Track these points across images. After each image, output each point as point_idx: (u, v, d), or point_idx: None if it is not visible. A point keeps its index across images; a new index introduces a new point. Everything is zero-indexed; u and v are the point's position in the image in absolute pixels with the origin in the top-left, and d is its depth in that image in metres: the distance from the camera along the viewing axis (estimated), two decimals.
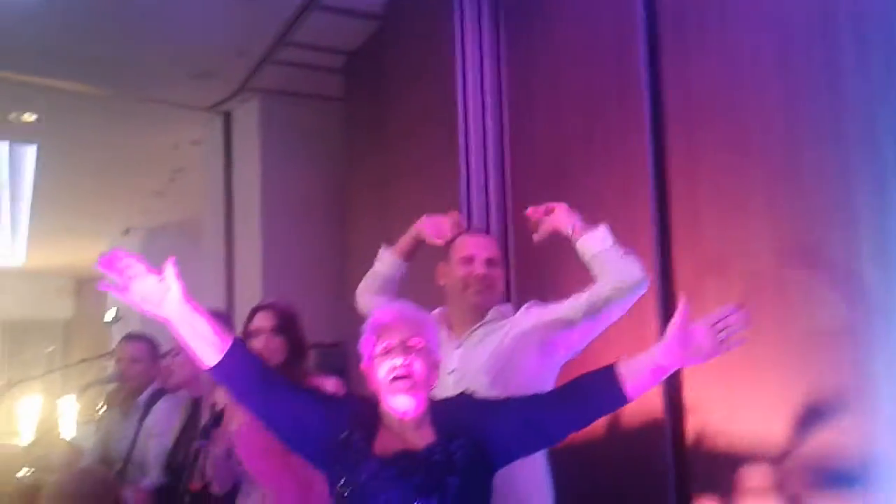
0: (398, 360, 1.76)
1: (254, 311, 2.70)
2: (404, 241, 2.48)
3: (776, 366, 2.27)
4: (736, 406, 2.39)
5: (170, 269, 1.74)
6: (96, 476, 2.37)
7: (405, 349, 1.78)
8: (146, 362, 3.40)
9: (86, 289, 10.50)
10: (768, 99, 2.34)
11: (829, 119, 2.19)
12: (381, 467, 1.71)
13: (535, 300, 2.34)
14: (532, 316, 2.26)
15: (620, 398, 1.75)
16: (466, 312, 2.30)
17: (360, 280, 3.81)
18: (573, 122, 2.94)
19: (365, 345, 1.84)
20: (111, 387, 3.60)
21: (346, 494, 1.72)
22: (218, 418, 2.37)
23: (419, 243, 2.47)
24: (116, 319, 8.05)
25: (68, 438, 5.86)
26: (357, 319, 4.09)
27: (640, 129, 2.66)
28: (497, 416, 1.80)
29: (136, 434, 3.20)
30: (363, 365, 1.84)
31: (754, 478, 2.34)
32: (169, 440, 3.05)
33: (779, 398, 2.29)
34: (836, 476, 2.17)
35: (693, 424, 2.53)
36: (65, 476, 2.47)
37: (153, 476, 3.06)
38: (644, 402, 2.57)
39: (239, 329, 2.63)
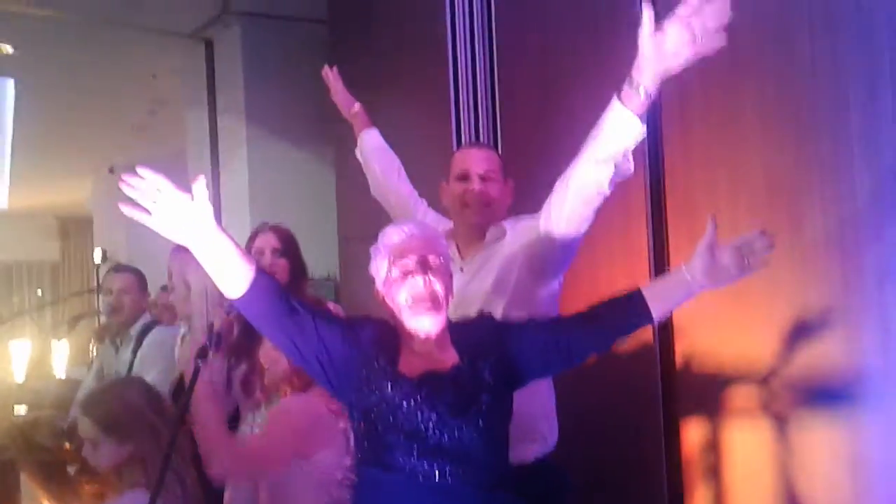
0: (419, 281, 1.71)
1: (254, 234, 2.72)
2: (353, 122, 2.69)
3: (764, 285, 2.27)
4: (724, 327, 2.41)
5: (200, 186, 1.59)
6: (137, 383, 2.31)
7: (423, 269, 1.72)
8: (135, 293, 3.37)
9: (72, 229, 10.43)
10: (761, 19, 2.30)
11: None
12: (411, 388, 1.67)
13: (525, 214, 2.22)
14: (519, 233, 2.17)
15: (646, 318, 1.72)
16: (468, 232, 2.23)
17: (349, 209, 3.78)
18: (564, 34, 2.88)
19: (378, 268, 1.78)
20: (102, 320, 3.58)
21: (373, 416, 1.69)
22: (218, 340, 2.32)
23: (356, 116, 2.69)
24: (105, 259, 8.00)
25: (61, 377, 5.90)
26: (349, 252, 4.09)
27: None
28: (520, 336, 1.77)
29: (130, 365, 3.20)
30: (378, 288, 1.78)
31: (741, 397, 2.38)
32: (163, 370, 3.03)
33: (766, 317, 2.30)
34: (822, 393, 2.20)
35: (682, 346, 2.55)
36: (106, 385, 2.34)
37: None
38: None
39: None
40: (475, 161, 2.24)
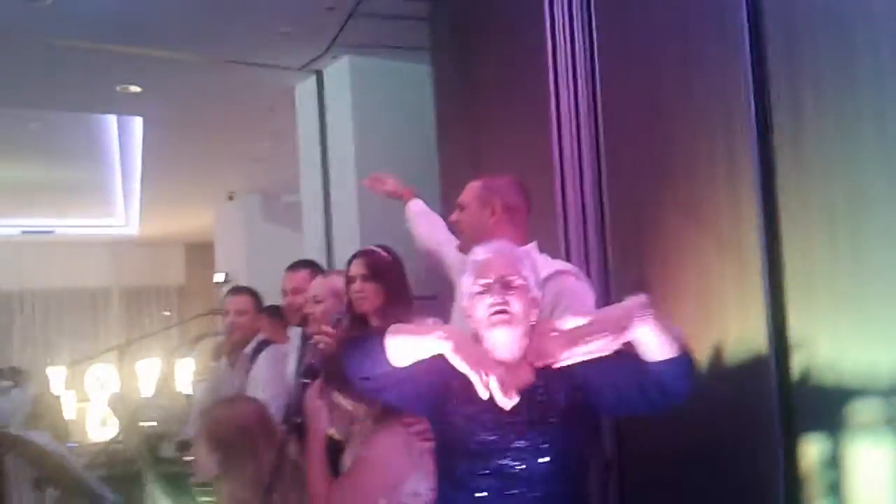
0: (496, 298, 1.76)
1: (351, 258, 2.82)
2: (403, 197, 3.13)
3: (884, 296, 2.18)
4: (843, 339, 2.30)
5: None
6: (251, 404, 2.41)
7: (502, 286, 1.77)
8: (250, 314, 3.51)
9: (196, 254, 10.95)
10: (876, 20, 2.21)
11: None
12: (481, 408, 1.71)
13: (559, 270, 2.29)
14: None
15: None
16: None
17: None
18: (668, 63, 2.83)
19: (465, 284, 1.85)
20: (219, 340, 3.74)
21: (447, 436, 1.76)
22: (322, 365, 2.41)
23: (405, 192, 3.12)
24: (226, 281, 8.37)
25: (185, 394, 6.21)
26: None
27: (741, 49, 2.54)
28: (599, 365, 1.75)
29: (243, 385, 3.33)
30: (463, 304, 1.84)
31: (863, 413, 2.27)
32: (273, 389, 3.13)
33: (889, 326, 2.19)
34: None
35: (799, 360, 2.45)
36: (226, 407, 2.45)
37: None
38: (748, 339, 2.52)
39: None
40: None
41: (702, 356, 2.59)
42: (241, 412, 2.25)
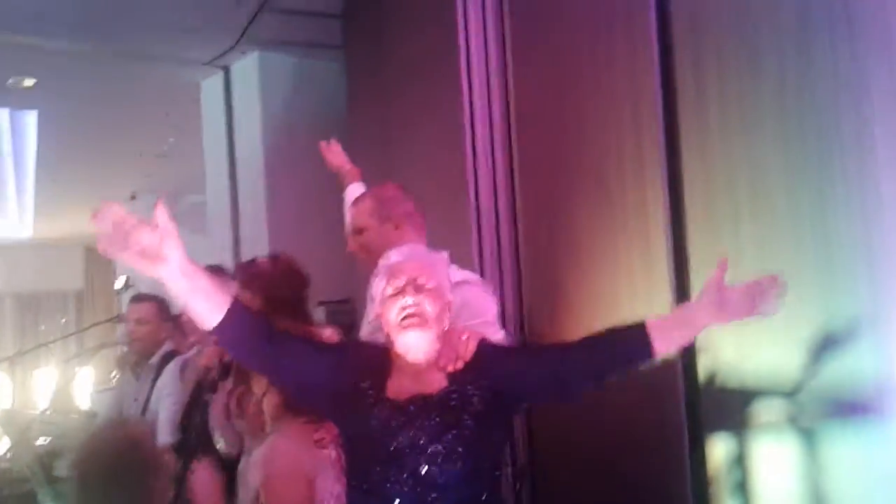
0: (408, 300, 1.74)
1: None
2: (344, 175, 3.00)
3: (789, 296, 2.23)
4: (747, 339, 2.35)
5: (162, 215, 1.58)
6: (129, 427, 2.28)
7: (415, 289, 1.75)
8: (155, 323, 3.37)
9: (95, 258, 10.53)
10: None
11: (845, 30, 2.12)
12: (394, 411, 1.69)
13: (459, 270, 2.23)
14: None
15: (647, 354, 1.72)
16: None
17: None
18: (579, 52, 2.85)
19: (377, 287, 1.82)
20: (122, 350, 3.58)
21: (357, 440, 1.72)
22: (226, 370, 2.34)
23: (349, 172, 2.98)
24: (127, 287, 8.05)
25: (84, 407, 5.93)
26: (365, 275, 4.10)
27: (649, 48, 2.58)
28: (514, 363, 1.79)
29: (149, 396, 3.19)
30: (376, 309, 1.82)
31: (767, 412, 2.32)
32: (180, 400, 3.03)
33: (791, 329, 2.25)
34: (850, 406, 2.15)
35: (705, 362, 2.50)
36: (99, 431, 2.34)
37: (164, 437, 3.04)
38: None
39: None
40: (350, 217, 2.47)
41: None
42: (115, 441, 2.10)
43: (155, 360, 3.30)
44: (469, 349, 1.76)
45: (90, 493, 1.99)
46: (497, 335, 2.14)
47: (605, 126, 2.72)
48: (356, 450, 1.74)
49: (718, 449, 2.44)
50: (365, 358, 1.80)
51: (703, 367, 2.50)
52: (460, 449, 1.66)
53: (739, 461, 2.38)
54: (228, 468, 2.40)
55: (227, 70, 4.84)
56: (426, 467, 1.65)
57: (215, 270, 3.33)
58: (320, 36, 4.24)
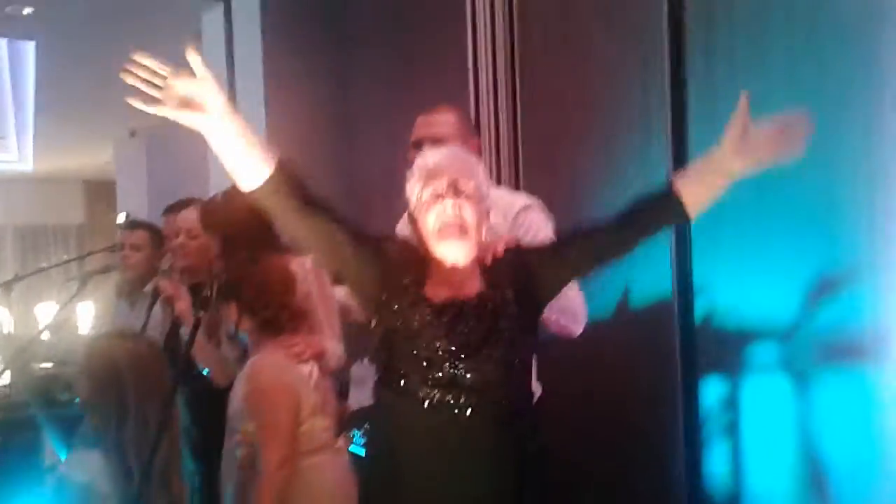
0: (447, 205, 1.64)
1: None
2: None
3: (787, 240, 2.22)
4: (745, 283, 2.35)
5: (196, 61, 1.49)
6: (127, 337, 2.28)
7: (454, 193, 1.65)
8: (148, 249, 3.34)
9: (96, 192, 10.50)
10: None
11: None
12: (432, 312, 1.64)
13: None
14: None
15: (682, 216, 1.66)
16: None
17: (364, 169, 3.73)
18: (590, 21, 2.78)
19: (411, 190, 1.71)
20: (116, 277, 3.57)
21: (392, 339, 1.67)
22: (205, 302, 2.31)
23: None
24: (128, 221, 8.06)
25: (84, 333, 5.97)
26: (364, 209, 4.09)
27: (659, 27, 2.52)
28: (548, 260, 1.75)
29: (145, 324, 3.19)
30: (410, 210, 1.71)
31: (762, 355, 2.33)
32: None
33: (789, 273, 2.25)
34: (845, 351, 2.15)
35: (702, 304, 2.50)
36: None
37: None
38: (653, 283, 2.55)
39: None
40: (426, 126, 2.18)
41: (609, 299, 2.62)
42: (111, 349, 2.09)
43: (149, 287, 3.27)
44: (501, 248, 1.72)
45: (92, 394, 2.01)
46: (548, 223, 2.12)
47: (613, 74, 2.68)
48: (390, 348, 1.68)
49: (712, 390, 2.46)
50: (406, 253, 1.73)
51: (700, 308, 2.50)
52: (494, 353, 1.63)
53: (732, 403, 2.40)
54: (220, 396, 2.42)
55: (227, 2, 4.74)
56: (458, 372, 1.62)
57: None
58: None
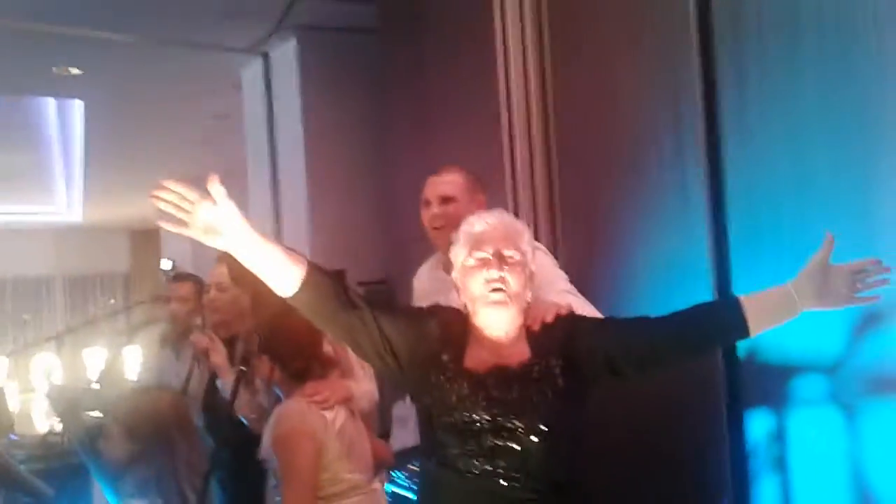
0: (493, 273, 1.66)
1: None
2: None
3: None
4: None
5: (216, 188, 1.59)
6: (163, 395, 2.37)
7: (499, 262, 1.67)
8: (195, 301, 3.43)
9: (141, 241, 10.74)
10: None
11: None
12: (473, 384, 1.65)
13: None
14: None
15: (743, 331, 1.67)
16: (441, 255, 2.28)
17: (402, 216, 3.76)
18: (619, 40, 2.83)
19: (457, 255, 1.74)
20: (165, 328, 3.66)
21: (434, 412, 1.67)
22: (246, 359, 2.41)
23: None
24: (173, 269, 8.22)
25: (132, 382, 6.07)
26: (402, 256, 4.16)
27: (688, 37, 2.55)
28: (601, 335, 1.72)
29: (189, 375, 3.25)
30: (453, 276, 1.75)
31: (808, 388, 2.31)
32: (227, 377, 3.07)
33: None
34: (892, 382, 2.13)
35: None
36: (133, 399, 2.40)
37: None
38: None
39: None
40: (435, 185, 2.33)
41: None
42: (156, 401, 2.20)
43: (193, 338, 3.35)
44: (551, 317, 1.72)
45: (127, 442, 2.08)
46: (586, 307, 2.08)
47: (644, 106, 2.70)
48: (432, 421, 1.68)
49: (758, 424, 2.44)
50: (445, 325, 1.74)
51: (744, 341, 2.49)
52: (541, 425, 1.61)
53: (779, 437, 2.38)
54: None
55: (266, 56, 4.88)
56: (499, 443, 1.61)
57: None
58: (357, 19, 4.25)
